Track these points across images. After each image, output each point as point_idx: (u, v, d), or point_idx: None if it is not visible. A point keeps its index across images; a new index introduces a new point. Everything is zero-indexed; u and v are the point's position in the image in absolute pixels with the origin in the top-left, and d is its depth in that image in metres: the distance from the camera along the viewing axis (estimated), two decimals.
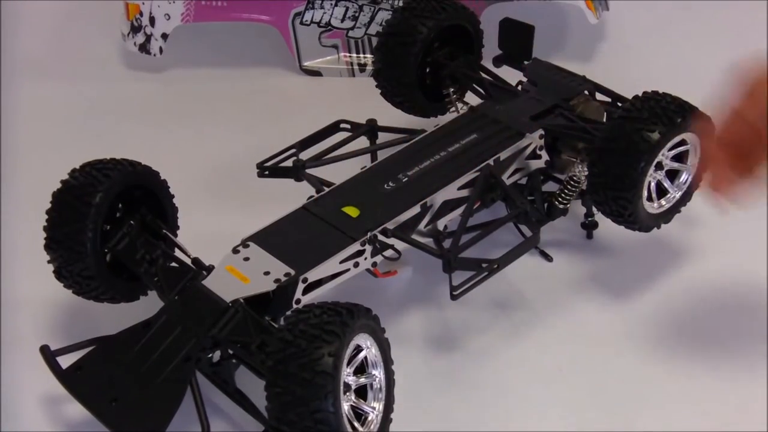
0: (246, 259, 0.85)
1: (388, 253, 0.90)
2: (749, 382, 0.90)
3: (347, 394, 0.75)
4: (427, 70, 1.08)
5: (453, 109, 1.08)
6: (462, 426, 0.87)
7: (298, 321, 0.74)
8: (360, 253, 0.87)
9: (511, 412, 0.88)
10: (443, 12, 1.06)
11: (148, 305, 0.88)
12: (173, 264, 0.88)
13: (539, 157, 0.98)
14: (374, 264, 0.90)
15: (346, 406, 0.74)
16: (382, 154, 0.99)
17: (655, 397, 0.89)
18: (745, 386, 0.89)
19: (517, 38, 1.09)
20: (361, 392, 0.78)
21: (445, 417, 0.87)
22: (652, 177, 0.94)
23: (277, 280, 0.83)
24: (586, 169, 0.95)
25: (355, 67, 1.32)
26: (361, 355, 0.77)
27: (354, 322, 0.75)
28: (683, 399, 0.88)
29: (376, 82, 1.09)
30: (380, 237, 0.88)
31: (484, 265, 0.88)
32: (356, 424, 0.76)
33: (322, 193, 0.93)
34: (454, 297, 0.87)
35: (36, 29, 1.40)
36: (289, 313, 0.78)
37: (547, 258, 1.02)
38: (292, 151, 1.00)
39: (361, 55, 1.32)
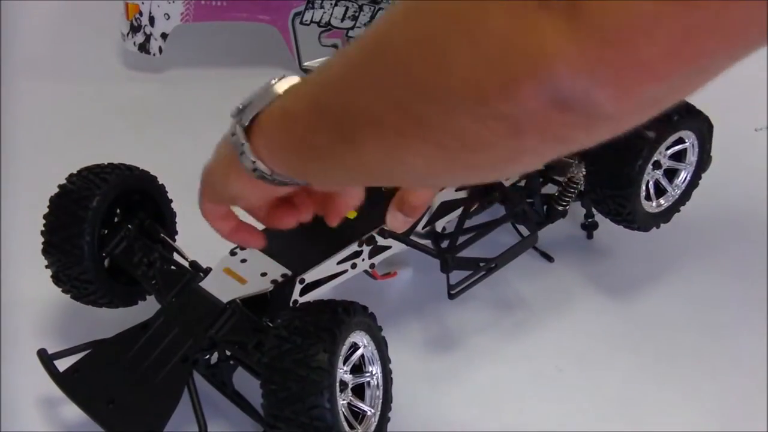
0: (243, 260, 0.85)
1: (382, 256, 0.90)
2: (749, 382, 0.89)
3: (344, 391, 0.75)
4: None
5: None
6: (460, 426, 0.86)
7: (294, 318, 0.74)
8: (358, 254, 0.87)
9: (510, 412, 0.87)
10: None
11: (147, 309, 0.88)
12: (171, 267, 0.88)
13: None
14: (372, 266, 0.90)
15: (342, 404, 0.74)
16: None
17: (654, 397, 0.88)
18: (745, 386, 0.89)
19: None
20: (359, 391, 0.78)
21: (444, 416, 0.87)
22: (651, 176, 0.94)
23: (274, 281, 0.83)
24: (584, 169, 0.95)
25: None
26: (358, 353, 0.77)
27: (350, 319, 0.75)
28: (683, 399, 0.88)
29: None
30: (378, 238, 0.88)
31: (481, 265, 0.88)
32: (354, 422, 0.76)
33: None
34: (451, 296, 0.87)
35: (36, 29, 1.40)
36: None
37: (548, 258, 1.02)
38: None
39: None
